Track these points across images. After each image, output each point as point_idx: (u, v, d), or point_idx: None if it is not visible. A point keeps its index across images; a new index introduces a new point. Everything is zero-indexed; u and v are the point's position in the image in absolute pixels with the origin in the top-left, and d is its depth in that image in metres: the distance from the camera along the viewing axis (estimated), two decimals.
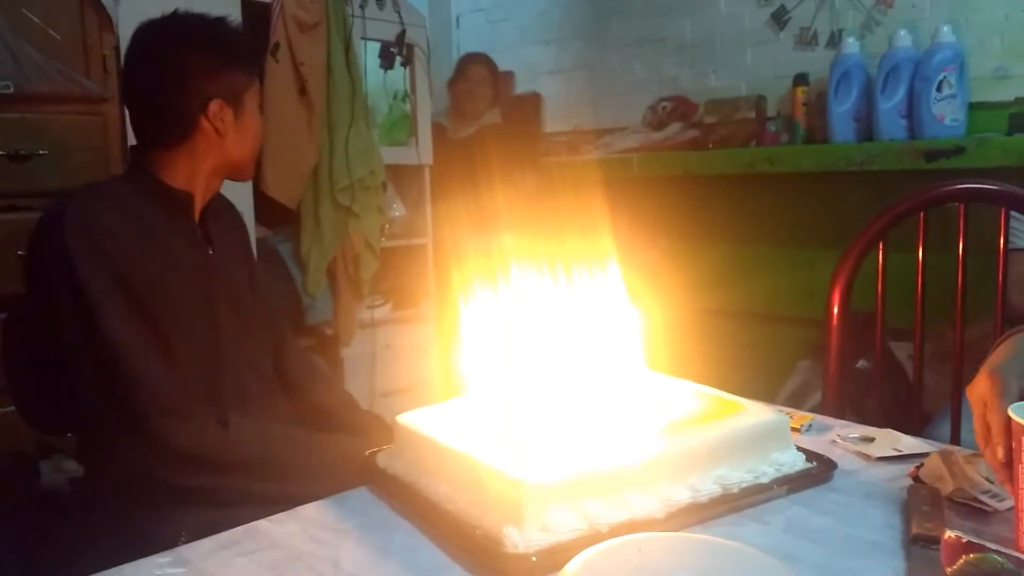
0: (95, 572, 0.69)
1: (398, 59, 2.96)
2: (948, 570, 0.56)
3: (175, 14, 1.27)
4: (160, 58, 1.24)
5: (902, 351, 2.04)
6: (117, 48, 2.26)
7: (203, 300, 1.24)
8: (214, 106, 1.23)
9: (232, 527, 0.79)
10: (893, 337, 2.07)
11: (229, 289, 1.30)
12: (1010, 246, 1.66)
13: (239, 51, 1.29)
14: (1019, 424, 0.65)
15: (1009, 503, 0.80)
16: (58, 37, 2.13)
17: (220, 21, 1.27)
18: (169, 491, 1.13)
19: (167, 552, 0.73)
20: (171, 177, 1.24)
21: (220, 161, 1.27)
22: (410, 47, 3.00)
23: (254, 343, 1.34)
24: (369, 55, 2.89)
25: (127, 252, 1.15)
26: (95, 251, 1.12)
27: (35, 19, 2.09)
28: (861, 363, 2.08)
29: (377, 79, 2.95)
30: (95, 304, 1.11)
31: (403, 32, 2.93)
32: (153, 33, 1.25)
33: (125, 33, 2.27)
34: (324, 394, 1.46)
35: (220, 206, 1.38)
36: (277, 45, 2.45)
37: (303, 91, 2.50)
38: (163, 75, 1.23)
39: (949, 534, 0.57)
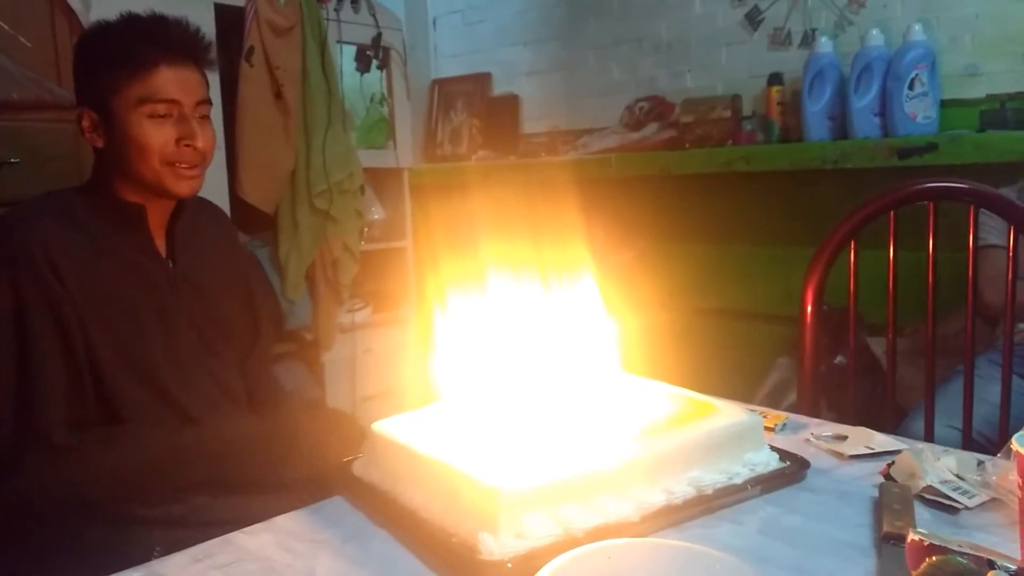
0: None
1: (374, 62, 2.95)
2: (913, 573, 0.57)
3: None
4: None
5: (879, 347, 2.06)
6: None
7: (159, 313, 1.22)
8: (83, 117, 1.19)
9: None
10: (872, 333, 2.09)
11: (192, 303, 1.27)
12: (981, 242, 1.69)
13: (109, 50, 1.17)
14: (1022, 455, 0.66)
15: (980, 499, 0.81)
16: (28, 44, 2.11)
17: (113, 22, 1.20)
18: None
19: (139, 567, 0.73)
20: (122, 189, 1.21)
21: (126, 174, 1.19)
22: (386, 50, 2.99)
23: (221, 359, 1.30)
24: (345, 58, 2.88)
25: (58, 265, 1.12)
26: (24, 264, 1.11)
27: (4, 26, 2.06)
28: (839, 359, 2.10)
29: (353, 82, 2.94)
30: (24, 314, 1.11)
31: (379, 35, 2.93)
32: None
33: None
34: (283, 412, 1.40)
35: (200, 216, 1.33)
36: (251, 49, 2.44)
37: (278, 95, 2.49)
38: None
39: (912, 536, 0.57)
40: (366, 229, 2.93)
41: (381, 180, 3.11)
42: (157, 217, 1.24)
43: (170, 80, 1.16)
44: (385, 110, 3.09)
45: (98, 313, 1.16)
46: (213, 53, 1.25)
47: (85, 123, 1.19)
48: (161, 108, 1.16)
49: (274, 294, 2.55)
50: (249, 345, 1.40)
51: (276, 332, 2.24)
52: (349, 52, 2.92)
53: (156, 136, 1.16)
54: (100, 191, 1.22)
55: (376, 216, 3.08)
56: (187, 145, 1.18)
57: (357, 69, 2.94)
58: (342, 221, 2.67)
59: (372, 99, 3.07)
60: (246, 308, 1.40)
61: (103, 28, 1.20)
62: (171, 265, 1.25)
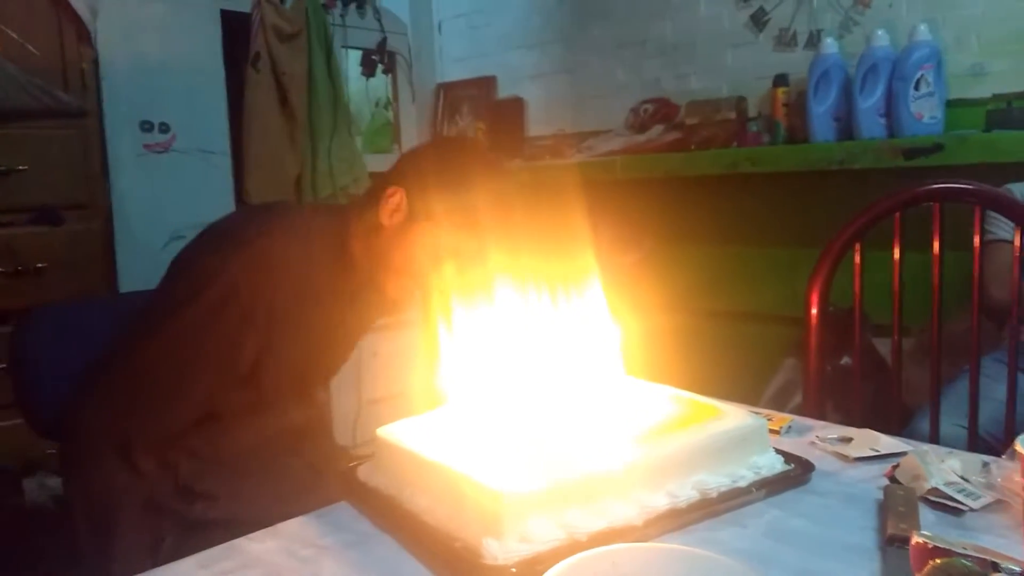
0: None
1: (380, 66, 2.96)
2: None
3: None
4: None
5: (885, 347, 2.06)
6: (96, 62, 2.25)
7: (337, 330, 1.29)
8: (397, 194, 1.19)
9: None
10: (878, 333, 2.08)
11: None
12: (989, 236, 1.69)
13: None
14: None
15: (984, 501, 0.80)
16: (36, 52, 2.13)
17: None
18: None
19: (146, 574, 0.73)
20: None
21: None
22: (392, 54, 3.00)
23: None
24: (350, 63, 2.90)
25: (289, 295, 1.16)
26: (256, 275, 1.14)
27: (12, 34, 2.08)
28: (845, 360, 2.09)
29: (359, 87, 2.95)
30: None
31: (384, 40, 2.94)
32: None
33: (103, 47, 2.26)
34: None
35: None
36: (257, 55, 2.45)
37: (284, 101, 2.51)
38: None
39: (917, 539, 0.57)
40: None
41: None
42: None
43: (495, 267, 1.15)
44: (390, 114, 3.10)
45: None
46: None
47: (394, 199, 1.18)
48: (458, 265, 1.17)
49: None
50: None
51: None
52: (355, 57, 2.93)
53: (436, 275, 1.17)
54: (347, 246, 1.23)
55: None
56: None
57: (363, 74, 2.95)
58: None
59: (377, 103, 3.08)
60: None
61: (479, 174, 1.20)
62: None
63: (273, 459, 1.25)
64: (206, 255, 1.16)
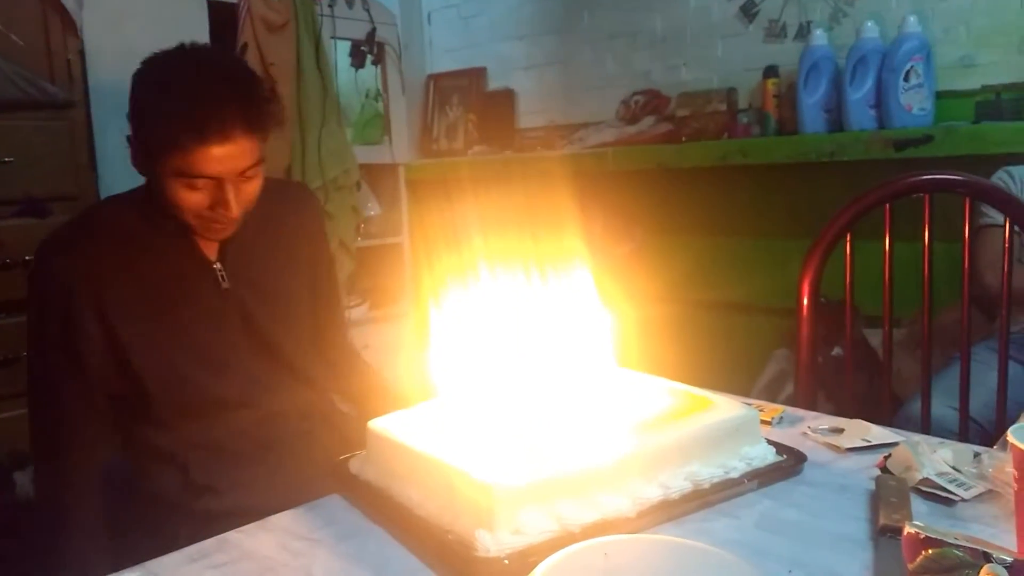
0: None
1: (369, 57, 2.95)
2: (909, 567, 0.56)
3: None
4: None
5: (876, 338, 2.07)
6: (82, 52, 2.23)
7: (205, 315, 1.23)
8: (131, 145, 1.16)
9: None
10: (868, 324, 2.09)
11: (247, 300, 1.26)
12: (986, 220, 1.69)
13: (158, 116, 1.09)
14: (1019, 449, 0.65)
15: (976, 491, 0.81)
16: (21, 43, 2.10)
17: (172, 83, 1.12)
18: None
19: (136, 567, 0.72)
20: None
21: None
22: (381, 45, 2.99)
23: (280, 349, 1.31)
24: (340, 54, 2.88)
25: (101, 275, 1.15)
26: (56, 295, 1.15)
27: None
28: (836, 351, 2.10)
29: (348, 78, 2.93)
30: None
31: (373, 30, 2.92)
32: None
33: (90, 37, 2.24)
34: (359, 382, 1.46)
35: (274, 202, 1.29)
36: (245, 46, 2.43)
37: (273, 92, 2.48)
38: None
39: (909, 529, 0.57)
40: (362, 225, 2.93)
41: (377, 176, 3.11)
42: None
43: (214, 157, 1.08)
44: (380, 105, 3.09)
45: (137, 324, 1.18)
46: (276, 114, 1.19)
47: (133, 154, 1.16)
48: (199, 183, 1.11)
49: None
50: (319, 321, 1.41)
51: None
52: (344, 48, 2.91)
53: (190, 201, 1.12)
54: (151, 201, 1.20)
55: (372, 212, 3.08)
56: (221, 211, 1.14)
57: (352, 65, 2.93)
58: (338, 217, 2.66)
59: (367, 95, 3.07)
60: (308, 289, 1.39)
61: (156, 86, 1.13)
62: (219, 268, 1.24)
63: (277, 447, 1.25)
64: None
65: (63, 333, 1.15)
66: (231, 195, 1.12)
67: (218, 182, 1.11)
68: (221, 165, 1.09)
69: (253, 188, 1.16)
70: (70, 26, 2.20)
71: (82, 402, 1.17)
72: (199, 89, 1.08)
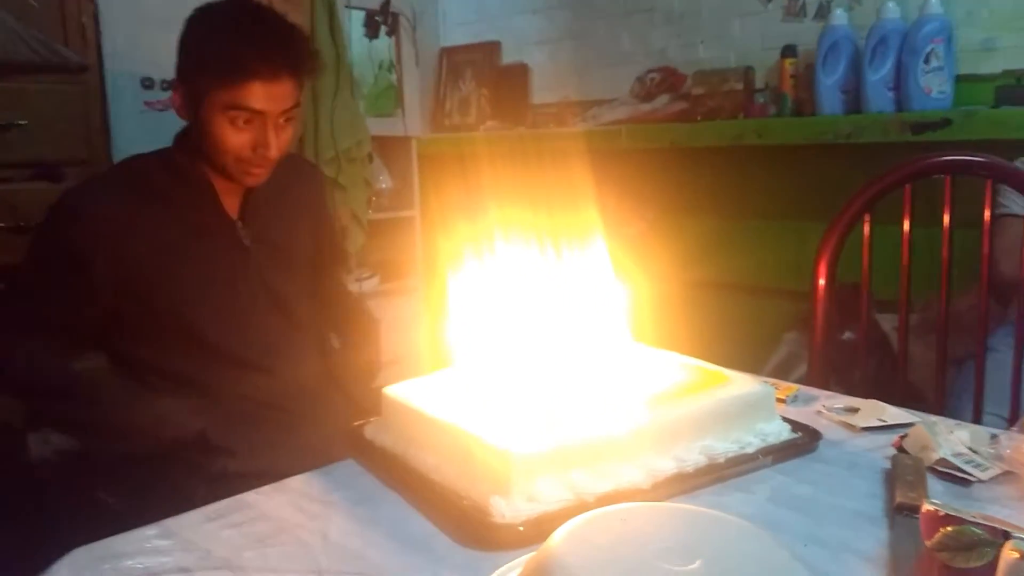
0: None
1: (383, 28, 2.92)
2: (927, 543, 0.56)
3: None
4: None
5: (887, 323, 2.06)
6: (96, 16, 2.21)
7: (227, 273, 1.28)
8: (176, 91, 1.24)
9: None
10: (879, 309, 2.08)
11: (264, 261, 1.32)
12: (1001, 210, 1.68)
13: (209, 52, 1.19)
14: None
15: (993, 472, 0.81)
16: (35, 4, 2.09)
17: (218, 21, 1.21)
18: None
19: (154, 524, 0.73)
20: (198, 160, 1.26)
21: (202, 153, 1.24)
22: (395, 16, 2.96)
23: (295, 314, 1.36)
24: (354, 24, 2.85)
25: (127, 223, 1.20)
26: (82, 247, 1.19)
27: None
28: (847, 335, 2.09)
29: (362, 48, 2.91)
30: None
31: (388, 0, 2.90)
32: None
33: (104, 0, 2.23)
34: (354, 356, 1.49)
35: (287, 174, 1.36)
36: None
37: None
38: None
39: (927, 507, 0.57)
40: (374, 198, 2.92)
41: (389, 149, 3.09)
42: (229, 185, 1.28)
43: (260, 93, 1.17)
44: (393, 77, 3.07)
45: (157, 274, 1.22)
46: (316, 62, 1.28)
47: (176, 99, 1.23)
48: (244, 116, 1.18)
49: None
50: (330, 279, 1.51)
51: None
52: (358, 17, 2.89)
53: (233, 140, 1.20)
54: (179, 156, 1.27)
55: (384, 185, 3.06)
56: (262, 151, 1.21)
57: (366, 35, 2.91)
58: (350, 189, 2.65)
59: (381, 66, 3.04)
60: (311, 256, 1.45)
61: (210, 25, 1.21)
62: (240, 226, 1.29)
63: (292, 411, 1.27)
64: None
65: (70, 268, 1.19)
66: (271, 135, 1.19)
67: (261, 121, 1.19)
68: (266, 102, 1.17)
69: (288, 134, 1.24)
70: None
71: (47, 329, 1.21)
72: (251, 29, 1.18)
